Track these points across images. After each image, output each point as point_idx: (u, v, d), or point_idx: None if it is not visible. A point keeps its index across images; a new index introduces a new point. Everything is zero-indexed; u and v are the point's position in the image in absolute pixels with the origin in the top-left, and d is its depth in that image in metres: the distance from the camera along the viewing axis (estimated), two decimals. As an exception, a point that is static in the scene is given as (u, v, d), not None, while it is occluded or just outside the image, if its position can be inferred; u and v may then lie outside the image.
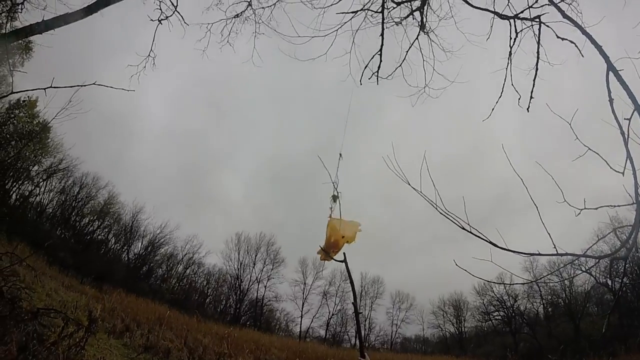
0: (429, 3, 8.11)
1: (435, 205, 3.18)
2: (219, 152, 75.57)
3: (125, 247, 40.33)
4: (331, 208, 5.23)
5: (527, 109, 6.95)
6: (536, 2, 6.64)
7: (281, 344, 24.59)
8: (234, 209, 65.50)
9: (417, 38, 8.31)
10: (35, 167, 32.14)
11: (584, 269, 29.38)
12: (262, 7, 9.31)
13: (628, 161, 3.71)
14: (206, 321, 24.43)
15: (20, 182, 31.47)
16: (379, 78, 8.26)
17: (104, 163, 66.81)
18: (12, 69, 9.26)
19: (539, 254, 3.26)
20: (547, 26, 6.61)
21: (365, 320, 47.17)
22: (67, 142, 33.03)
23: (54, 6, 8.67)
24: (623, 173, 3.64)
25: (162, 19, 9.70)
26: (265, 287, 47.61)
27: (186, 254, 43.57)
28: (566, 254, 3.22)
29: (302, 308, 48.01)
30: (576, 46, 6.17)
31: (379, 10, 8.06)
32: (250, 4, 9.40)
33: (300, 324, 47.89)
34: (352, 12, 7.90)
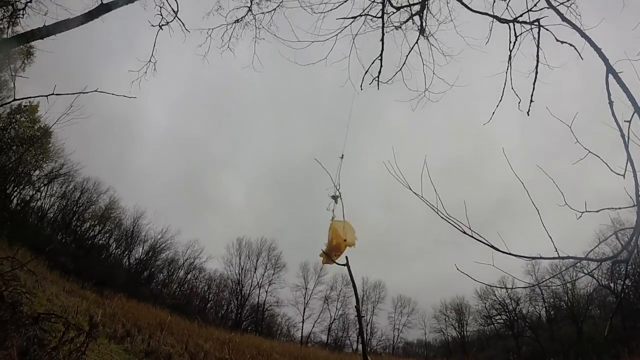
0: (428, 7, 8.14)
1: (436, 210, 3.18)
2: (219, 157, 75.76)
3: (126, 252, 40.36)
4: (333, 210, 5.24)
5: (528, 112, 6.96)
6: (535, 5, 6.67)
7: (283, 349, 24.49)
8: (235, 213, 65.59)
9: (416, 42, 8.35)
10: (37, 172, 32.22)
11: (586, 272, 29.29)
12: (262, 13, 9.38)
13: (629, 163, 3.70)
14: (207, 326, 24.37)
15: (21, 186, 31.54)
16: (379, 83, 8.29)
17: (105, 168, 66.98)
18: (13, 74, 9.31)
19: (541, 258, 3.26)
20: (547, 29, 6.63)
21: (367, 325, 46.98)
22: (68, 147, 33.19)
23: (55, 12, 8.76)
24: (624, 175, 3.64)
25: (162, 25, 9.78)
26: (266, 292, 47.60)
27: (187, 259, 43.62)
28: (568, 257, 3.22)
29: (304, 313, 47.96)
30: (575, 49, 6.18)
31: (379, 15, 8.09)
32: (250, 10, 9.47)
33: (302, 329, 47.81)
34: (352, 18, 7.94)
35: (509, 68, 7.45)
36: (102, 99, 6.20)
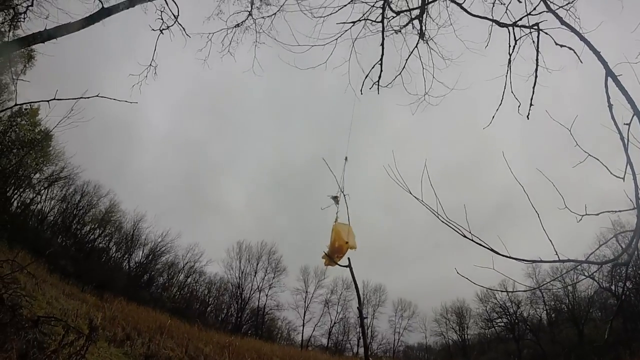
0: (428, 11, 8.17)
1: (436, 214, 3.18)
2: (220, 160, 75.90)
3: (126, 256, 40.30)
4: (337, 212, 5.26)
5: (527, 116, 6.96)
6: (534, 9, 6.69)
7: (283, 352, 24.42)
8: (235, 217, 65.60)
9: (416, 46, 8.36)
10: (37, 175, 32.27)
11: (587, 274, 29.22)
12: (263, 17, 9.43)
13: (628, 166, 3.71)
14: (207, 330, 24.30)
15: (21, 189, 31.56)
16: (379, 87, 8.31)
17: (106, 171, 66.98)
18: (14, 77, 9.33)
19: (541, 261, 3.26)
20: (546, 33, 6.64)
21: (368, 329, 46.82)
22: (69, 150, 33.23)
23: (57, 15, 8.81)
24: (623, 178, 3.64)
25: (163, 29, 9.82)
26: (266, 295, 47.50)
27: (187, 262, 43.56)
28: (568, 260, 3.22)
29: (304, 316, 47.85)
30: (575, 52, 6.20)
31: (378, 19, 8.12)
32: (250, 14, 9.52)
33: (302, 332, 47.67)
34: (352, 22, 7.96)
35: (509, 72, 7.47)
36: (103, 102, 6.22)
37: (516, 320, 42.85)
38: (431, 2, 8.02)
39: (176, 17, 9.86)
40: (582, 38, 5.08)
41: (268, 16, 9.31)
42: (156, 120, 70.49)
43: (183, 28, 9.98)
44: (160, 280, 42.63)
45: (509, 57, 7.41)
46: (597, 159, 3.72)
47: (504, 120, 7.86)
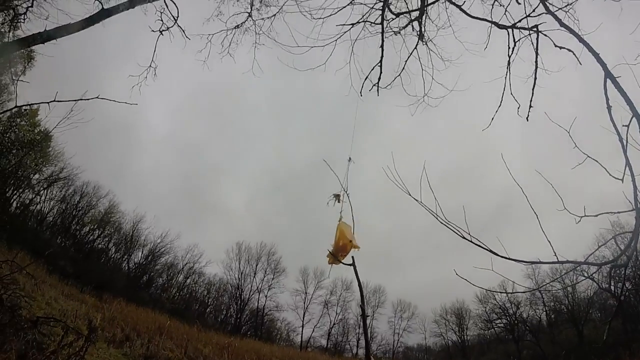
0: (427, 13, 8.18)
1: (435, 215, 3.19)
2: (220, 161, 75.91)
3: (125, 256, 40.25)
4: (340, 212, 5.31)
5: (527, 118, 6.97)
6: (533, 11, 6.70)
7: (282, 353, 24.38)
8: (234, 218, 65.53)
9: (415, 48, 8.37)
10: (36, 176, 32.20)
11: (586, 275, 29.25)
12: (262, 18, 9.44)
13: (627, 168, 3.72)
14: (207, 331, 24.24)
15: (21, 190, 31.51)
16: (379, 89, 8.31)
17: (105, 172, 66.88)
18: (14, 78, 9.35)
19: (540, 262, 3.27)
20: (545, 35, 6.65)
21: (368, 329, 46.76)
22: (68, 151, 33.17)
23: (56, 16, 8.82)
24: (622, 180, 3.65)
25: (163, 30, 9.84)
26: (266, 296, 47.46)
27: (187, 263, 43.50)
28: (567, 262, 3.22)
29: (303, 318, 47.80)
30: (574, 54, 6.20)
31: (378, 21, 8.13)
32: (250, 15, 9.53)
33: (302, 333, 47.62)
34: (350, 24, 7.96)
35: (508, 73, 7.48)
36: (103, 103, 6.23)
37: (516, 321, 42.84)
38: (430, 3, 8.04)
39: (176, 19, 9.90)
40: (581, 40, 5.09)
41: (267, 17, 9.34)
42: (156, 121, 70.53)
43: (183, 30, 10.02)
44: (159, 281, 42.64)
45: (508, 58, 7.43)
46: (596, 161, 3.73)
47: (504, 121, 7.87)
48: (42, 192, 33.89)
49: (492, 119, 7.45)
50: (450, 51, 8.38)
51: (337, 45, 8.11)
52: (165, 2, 9.66)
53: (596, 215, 3.54)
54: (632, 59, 4.58)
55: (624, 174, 3.67)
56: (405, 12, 8.18)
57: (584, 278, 30.11)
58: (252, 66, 9.89)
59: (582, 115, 4.45)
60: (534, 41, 6.91)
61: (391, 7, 8.14)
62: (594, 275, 32.02)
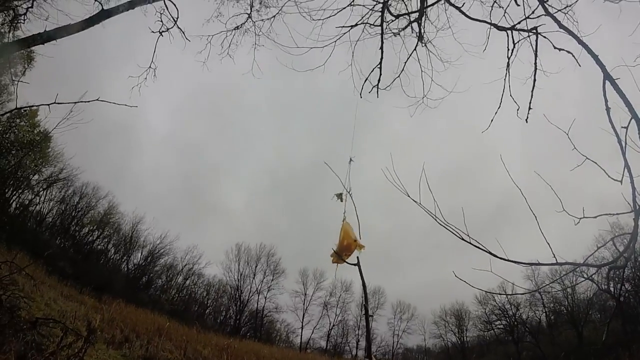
0: (426, 15, 8.19)
1: (434, 216, 3.19)
2: (219, 162, 75.95)
3: (124, 257, 40.22)
4: (344, 212, 5.34)
5: (526, 119, 6.97)
6: (532, 13, 6.70)
7: (282, 355, 24.39)
8: (234, 219, 65.52)
9: (415, 49, 8.37)
10: (36, 176, 32.20)
11: (585, 277, 29.27)
12: (262, 20, 9.46)
13: (626, 169, 3.72)
14: (206, 332, 24.21)
15: (20, 191, 31.50)
16: (379, 91, 8.32)
17: (105, 173, 66.95)
18: (14, 78, 9.35)
19: (539, 264, 3.27)
20: (544, 37, 6.66)
21: (370, 328, 46.76)
22: (68, 151, 33.17)
23: (56, 17, 8.83)
24: (621, 181, 3.66)
25: (163, 31, 9.85)
26: (265, 298, 47.45)
27: (186, 264, 43.46)
28: (566, 263, 3.23)
29: (303, 319, 47.78)
30: (573, 56, 6.20)
31: (377, 23, 8.13)
32: (250, 16, 9.55)
33: (301, 335, 47.59)
34: (350, 26, 7.97)
35: (507, 75, 7.48)
36: (102, 104, 6.23)
37: (515, 323, 42.82)
38: (430, 5, 8.05)
39: (176, 20, 9.92)
40: (580, 42, 5.10)
41: (267, 19, 9.36)
42: (156, 122, 70.70)
43: (182, 31, 10.04)
44: (158, 282, 42.61)
45: (507, 60, 7.42)
46: (595, 162, 3.74)
47: (503, 123, 7.87)
48: (41, 193, 33.92)
49: (492, 120, 7.44)
50: (450, 52, 8.40)
51: (336, 47, 8.13)
52: (165, 3, 9.69)
53: (595, 217, 3.55)
54: (631, 61, 4.60)
55: (623, 175, 3.68)
56: (405, 14, 8.18)
57: (583, 279, 30.18)
58: (252, 67, 9.93)
59: (581, 117, 4.47)
60: (533, 43, 6.92)
61: (391, 8, 8.16)
62: (593, 276, 32.06)
